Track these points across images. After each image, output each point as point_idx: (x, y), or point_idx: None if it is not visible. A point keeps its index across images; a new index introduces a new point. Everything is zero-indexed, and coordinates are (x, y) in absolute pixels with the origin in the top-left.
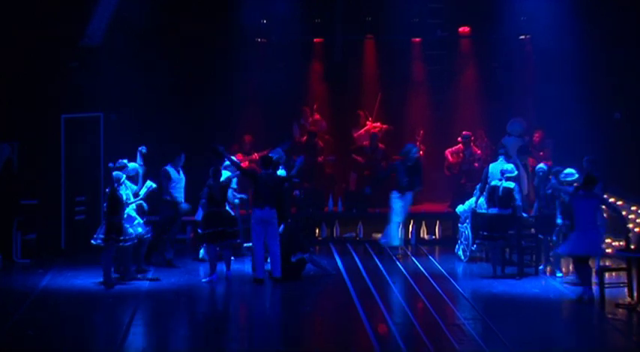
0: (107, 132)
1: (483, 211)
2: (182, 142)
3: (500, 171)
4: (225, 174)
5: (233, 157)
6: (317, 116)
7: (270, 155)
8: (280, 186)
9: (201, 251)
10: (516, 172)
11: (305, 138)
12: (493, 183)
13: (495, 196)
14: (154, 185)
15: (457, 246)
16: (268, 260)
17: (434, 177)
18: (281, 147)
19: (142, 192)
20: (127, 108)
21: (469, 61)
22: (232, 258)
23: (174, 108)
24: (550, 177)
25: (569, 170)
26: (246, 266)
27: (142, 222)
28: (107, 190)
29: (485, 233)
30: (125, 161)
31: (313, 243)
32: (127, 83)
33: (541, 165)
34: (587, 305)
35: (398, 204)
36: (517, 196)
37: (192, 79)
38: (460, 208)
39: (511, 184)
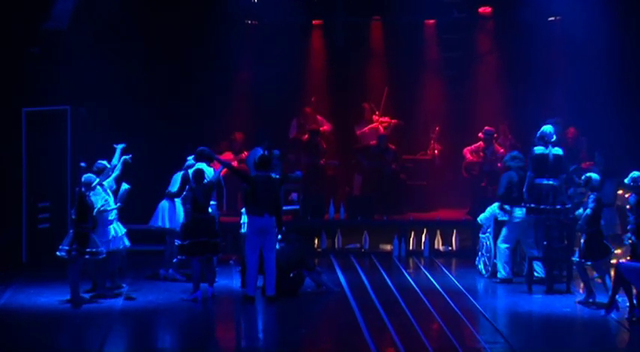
0: (75, 128)
1: (507, 218)
2: (162, 139)
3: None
4: (209, 172)
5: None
6: (319, 117)
7: (256, 154)
8: (278, 190)
9: (166, 270)
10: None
11: (307, 136)
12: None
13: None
14: (129, 187)
15: (477, 259)
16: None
17: (451, 180)
18: (260, 147)
19: (113, 197)
20: (98, 100)
21: (491, 46)
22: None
23: (152, 101)
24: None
25: (637, 173)
26: (234, 282)
27: (123, 232)
28: (77, 191)
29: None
30: (105, 162)
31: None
32: (98, 72)
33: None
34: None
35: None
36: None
37: (172, 67)
38: (482, 216)
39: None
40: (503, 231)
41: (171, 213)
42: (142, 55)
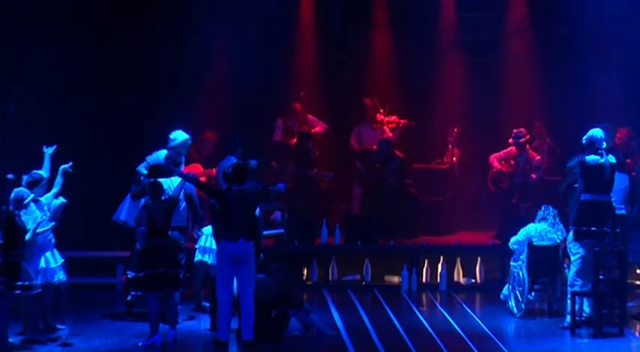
0: (2, 129)
1: (548, 242)
2: (111, 142)
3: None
4: (175, 182)
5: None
6: (310, 116)
7: (232, 164)
8: (256, 207)
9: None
10: None
11: (295, 140)
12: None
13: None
14: (65, 201)
15: (507, 294)
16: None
17: (474, 195)
18: (233, 155)
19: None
20: (30, 96)
21: (522, 25)
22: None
23: (98, 97)
24: None
25: None
26: (202, 323)
27: (60, 263)
28: (3, 211)
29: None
30: (42, 172)
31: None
32: (31, 63)
33: None
34: None
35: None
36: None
37: (123, 52)
38: (514, 239)
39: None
40: (577, 265)
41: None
42: (85, 37)
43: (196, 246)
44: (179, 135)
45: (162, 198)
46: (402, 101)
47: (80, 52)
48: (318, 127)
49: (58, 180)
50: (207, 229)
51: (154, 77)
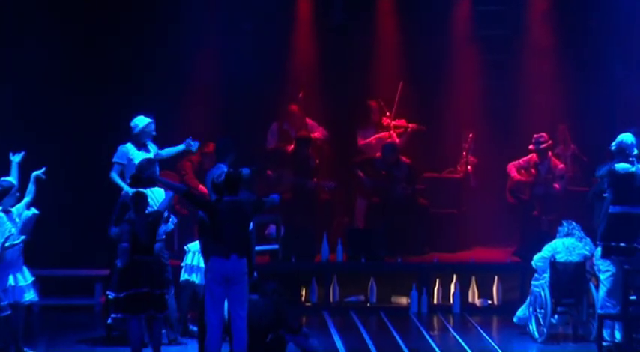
0: None
1: (577, 258)
2: (89, 147)
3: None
4: (159, 194)
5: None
6: (308, 120)
7: (224, 173)
8: (250, 220)
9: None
10: None
11: (292, 146)
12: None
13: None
14: (37, 212)
15: (522, 317)
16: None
17: (490, 207)
18: (224, 163)
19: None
20: (3, 95)
21: (544, 21)
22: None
23: (77, 96)
24: None
25: None
26: (189, 348)
27: (31, 281)
28: None
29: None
30: (12, 179)
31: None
32: (4, 58)
33: None
34: None
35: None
36: None
37: (101, 48)
38: (537, 257)
39: None
40: (608, 285)
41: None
42: (64, 32)
43: (182, 264)
44: (140, 121)
45: (147, 211)
46: (410, 103)
47: (59, 48)
48: (317, 132)
49: (30, 188)
50: (195, 245)
51: (136, 76)
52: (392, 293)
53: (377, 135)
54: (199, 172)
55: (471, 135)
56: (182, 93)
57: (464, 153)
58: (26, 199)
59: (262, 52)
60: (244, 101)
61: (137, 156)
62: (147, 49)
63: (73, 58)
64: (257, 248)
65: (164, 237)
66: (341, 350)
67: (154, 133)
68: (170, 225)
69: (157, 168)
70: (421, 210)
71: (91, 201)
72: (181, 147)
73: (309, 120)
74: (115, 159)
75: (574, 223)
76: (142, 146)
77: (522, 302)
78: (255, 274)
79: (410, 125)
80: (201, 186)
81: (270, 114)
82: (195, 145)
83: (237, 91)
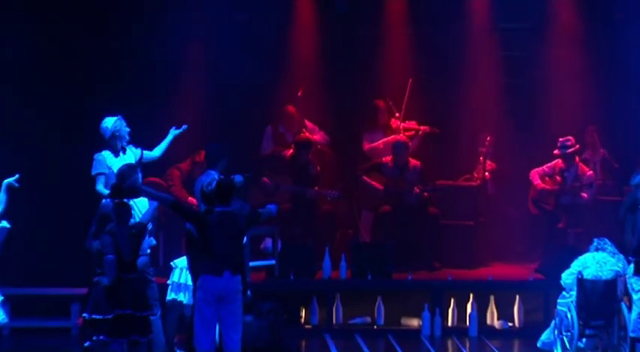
0: None
1: (609, 275)
2: (65, 153)
3: None
4: (142, 204)
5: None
6: (308, 123)
7: (215, 181)
8: (245, 233)
9: None
10: None
11: (291, 151)
12: None
13: None
14: (8, 226)
15: (553, 341)
16: None
17: (510, 218)
18: (214, 170)
19: None
20: None
21: (572, 11)
22: None
23: (53, 98)
24: None
25: None
26: None
27: (0, 300)
28: None
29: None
30: None
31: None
32: None
33: None
34: None
35: None
36: None
37: (79, 47)
38: (566, 274)
39: None
40: None
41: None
42: (35, 23)
43: (168, 282)
44: (107, 123)
45: (130, 223)
46: (421, 102)
47: (32, 43)
48: (317, 136)
49: (1, 197)
50: (182, 261)
51: (119, 76)
52: (401, 315)
53: (384, 139)
54: (189, 183)
55: (489, 138)
56: (167, 94)
57: (481, 158)
58: None
59: (257, 46)
60: (237, 101)
61: (116, 163)
62: (125, 44)
63: (43, 57)
64: (251, 264)
65: (148, 251)
66: None
67: (127, 129)
68: (153, 240)
69: (140, 175)
70: (434, 222)
71: (66, 214)
72: (169, 137)
73: (308, 123)
74: (95, 172)
75: (607, 240)
76: (119, 151)
77: (547, 324)
78: (249, 293)
79: (421, 127)
80: (190, 198)
81: (266, 115)
82: (183, 127)
83: (229, 90)
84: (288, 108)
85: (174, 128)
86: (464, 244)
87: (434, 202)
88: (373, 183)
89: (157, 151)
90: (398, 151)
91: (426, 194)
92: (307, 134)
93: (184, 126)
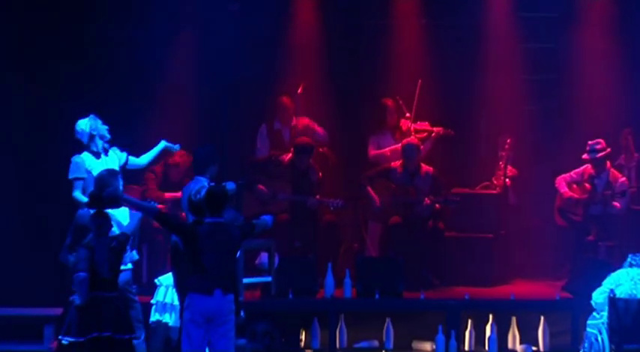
0: None
1: None
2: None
3: None
4: (122, 215)
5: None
6: (305, 120)
7: (204, 189)
8: (239, 247)
9: None
10: None
11: (290, 155)
12: None
13: None
14: None
15: None
16: None
17: (534, 230)
18: (204, 176)
19: None
20: None
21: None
22: None
23: (19, 98)
24: None
25: None
26: None
27: None
28: None
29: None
30: None
31: None
32: None
33: None
34: None
35: None
36: None
37: (60, 38)
38: (598, 292)
39: None
40: None
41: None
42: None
43: (152, 301)
44: (82, 124)
45: (110, 235)
46: (435, 102)
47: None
48: (319, 131)
49: None
50: (168, 278)
51: (100, 74)
52: (413, 338)
53: (392, 147)
54: (164, 185)
55: (509, 140)
56: (152, 91)
57: (501, 163)
58: None
59: (252, 39)
60: (229, 100)
61: (96, 166)
62: (107, 38)
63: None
64: (245, 281)
65: (130, 266)
66: None
67: (105, 126)
68: (135, 255)
69: (121, 182)
70: (435, 234)
71: (38, 224)
72: (159, 147)
73: (306, 120)
74: (72, 176)
75: None
76: (100, 152)
77: (575, 349)
78: (242, 314)
79: (434, 129)
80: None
81: (262, 114)
82: (175, 147)
83: (220, 87)
84: (283, 100)
85: (165, 140)
86: (482, 259)
87: (445, 214)
88: (374, 196)
89: (144, 159)
90: (408, 155)
91: (437, 205)
92: (306, 121)
93: (177, 147)
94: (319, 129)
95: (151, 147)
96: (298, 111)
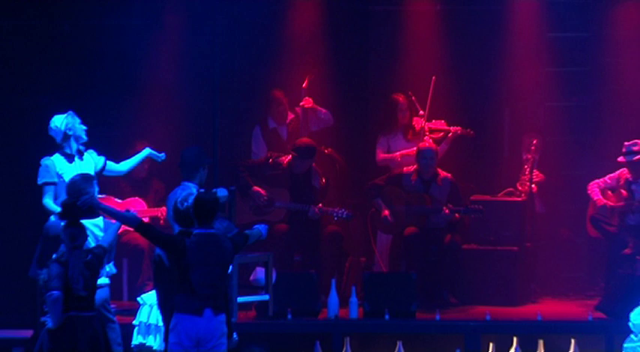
0: None
1: None
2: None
3: None
4: (98, 226)
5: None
6: (309, 101)
7: (192, 196)
8: (231, 262)
9: None
10: None
11: (289, 158)
12: None
13: None
14: None
15: None
16: None
17: (563, 242)
18: (192, 182)
19: None
20: None
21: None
22: None
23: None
24: None
25: None
26: None
27: None
28: None
29: None
30: None
31: None
32: None
33: None
34: None
35: None
36: None
37: (38, 31)
38: (636, 313)
39: None
40: None
41: None
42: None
43: (134, 323)
44: (57, 121)
45: (85, 248)
46: (452, 98)
47: None
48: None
49: None
50: (151, 296)
51: (80, 68)
52: None
53: (404, 152)
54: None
55: (535, 141)
56: (132, 86)
57: (527, 167)
58: None
59: (248, 28)
60: (221, 96)
61: (69, 170)
62: (83, 28)
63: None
64: (239, 299)
65: (108, 282)
66: None
67: (83, 127)
68: (113, 269)
69: (97, 189)
70: (453, 247)
71: (7, 239)
72: (142, 154)
73: (310, 101)
74: (41, 181)
75: None
76: (74, 155)
77: None
78: (235, 336)
79: (452, 128)
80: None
81: (258, 111)
82: (160, 156)
83: (211, 81)
84: (275, 94)
85: (149, 148)
86: (505, 275)
87: (464, 225)
88: (384, 207)
89: (125, 166)
90: (425, 161)
91: (457, 215)
92: (310, 103)
93: (163, 156)
94: (321, 109)
95: (131, 150)
96: (305, 99)
